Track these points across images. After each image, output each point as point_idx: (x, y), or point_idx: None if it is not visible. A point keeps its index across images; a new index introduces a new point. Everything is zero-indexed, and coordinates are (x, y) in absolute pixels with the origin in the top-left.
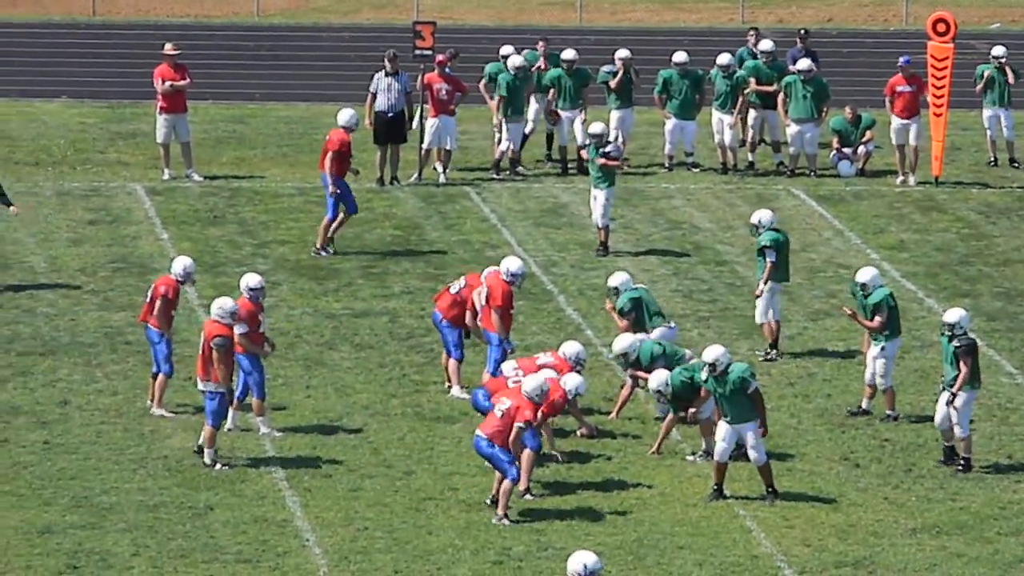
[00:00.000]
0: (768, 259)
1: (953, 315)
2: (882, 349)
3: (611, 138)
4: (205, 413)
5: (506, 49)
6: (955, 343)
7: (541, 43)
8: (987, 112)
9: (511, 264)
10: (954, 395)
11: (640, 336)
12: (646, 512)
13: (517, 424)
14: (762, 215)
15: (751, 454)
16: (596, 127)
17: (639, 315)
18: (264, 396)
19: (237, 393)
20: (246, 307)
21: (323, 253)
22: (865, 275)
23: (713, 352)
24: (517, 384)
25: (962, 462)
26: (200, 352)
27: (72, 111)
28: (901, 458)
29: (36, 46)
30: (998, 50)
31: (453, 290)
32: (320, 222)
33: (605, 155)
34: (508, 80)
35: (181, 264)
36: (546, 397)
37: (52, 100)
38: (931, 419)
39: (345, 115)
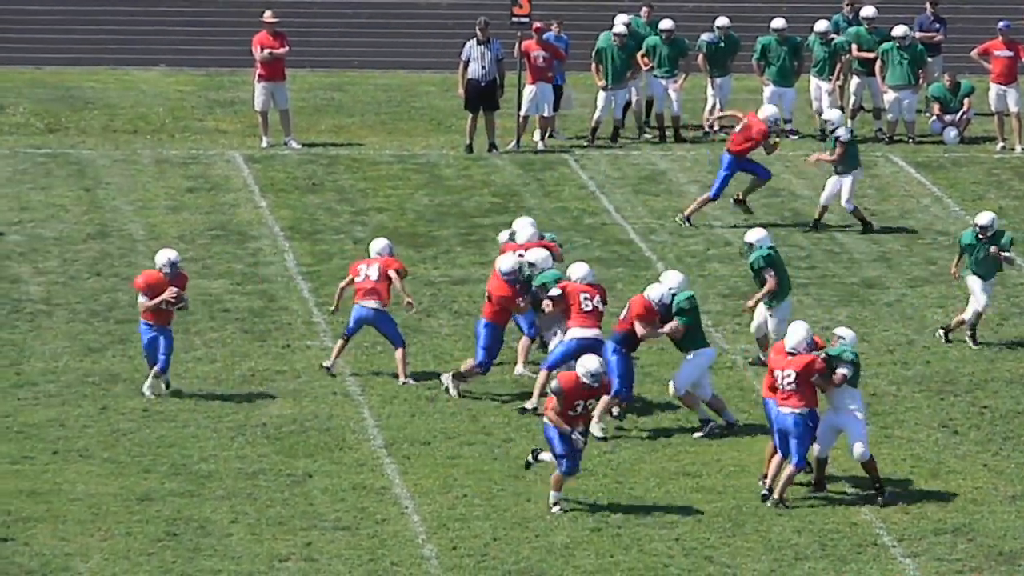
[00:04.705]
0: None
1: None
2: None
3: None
4: (392, 336)
5: (621, 17)
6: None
7: (645, 9)
8: None
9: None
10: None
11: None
12: (744, 479)
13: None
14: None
15: (855, 449)
16: (831, 114)
17: (777, 272)
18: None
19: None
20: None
21: (687, 223)
22: (984, 218)
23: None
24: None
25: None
26: (372, 280)
27: (170, 79)
28: (1000, 425)
29: (134, 14)
30: None
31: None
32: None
33: (836, 139)
34: (603, 46)
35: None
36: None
37: (150, 68)
38: None
39: (770, 110)
